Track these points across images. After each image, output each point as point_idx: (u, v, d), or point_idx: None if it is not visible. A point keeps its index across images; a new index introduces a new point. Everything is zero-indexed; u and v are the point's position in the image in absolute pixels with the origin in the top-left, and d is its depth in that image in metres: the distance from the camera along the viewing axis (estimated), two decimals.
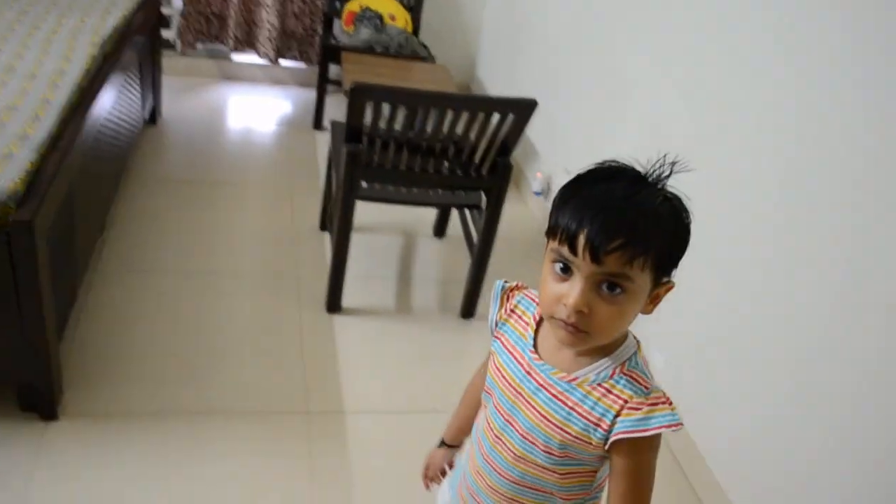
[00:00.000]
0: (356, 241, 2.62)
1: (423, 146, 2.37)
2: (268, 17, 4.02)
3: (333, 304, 2.54)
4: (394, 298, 2.73)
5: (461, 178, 2.46)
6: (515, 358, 1.04)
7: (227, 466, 1.93)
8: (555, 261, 0.91)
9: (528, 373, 1.01)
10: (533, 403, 1.00)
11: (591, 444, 0.96)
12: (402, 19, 3.81)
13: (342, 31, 3.73)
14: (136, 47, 3.00)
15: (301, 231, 2.99)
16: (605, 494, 1.04)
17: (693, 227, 0.92)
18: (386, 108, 2.27)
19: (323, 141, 3.69)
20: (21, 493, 1.75)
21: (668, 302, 0.96)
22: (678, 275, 0.94)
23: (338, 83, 3.85)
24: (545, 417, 0.98)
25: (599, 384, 0.95)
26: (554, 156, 3.30)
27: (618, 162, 0.93)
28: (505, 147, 2.35)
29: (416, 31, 3.95)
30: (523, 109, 2.26)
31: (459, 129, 2.33)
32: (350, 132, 2.27)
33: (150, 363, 2.20)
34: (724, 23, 2.10)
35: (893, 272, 1.49)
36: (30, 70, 2.23)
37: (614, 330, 0.92)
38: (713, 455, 2.02)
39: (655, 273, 0.89)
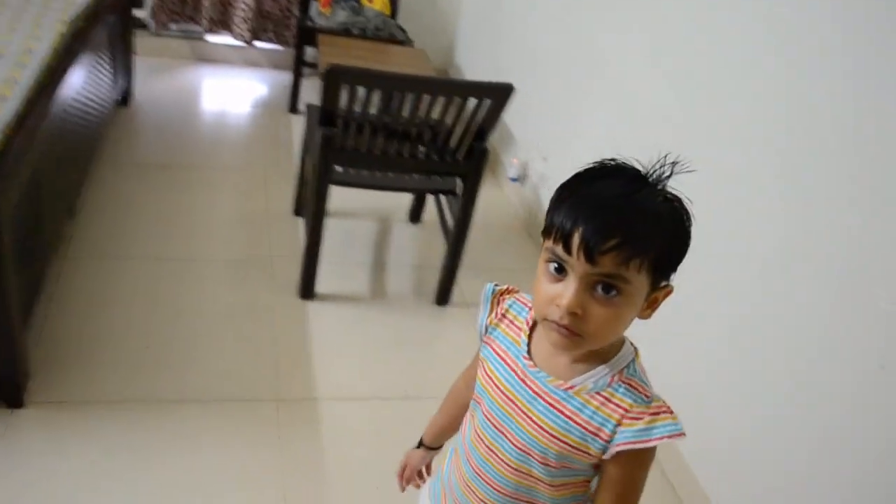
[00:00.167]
0: (331, 227, 2.59)
1: (399, 130, 2.34)
2: None
3: (307, 290, 2.51)
4: (368, 284, 2.71)
5: (437, 163, 2.44)
6: (508, 365, 1.00)
7: (195, 456, 1.91)
8: (549, 260, 0.87)
9: (523, 380, 0.97)
10: (528, 413, 0.96)
11: (589, 454, 0.93)
12: (379, 2, 3.77)
13: (319, 12, 3.68)
14: (108, 26, 2.94)
15: (275, 216, 2.95)
16: None
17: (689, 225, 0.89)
18: (361, 92, 2.24)
19: (298, 125, 3.64)
20: None
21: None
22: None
23: (314, 66, 3.80)
24: (542, 428, 0.94)
25: (598, 392, 0.92)
26: (531, 143, 3.29)
27: (617, 160, 0.90)
28: (481, 132, 2.34)
29: (394, 13, 3.91)
30: (500, 94, 2.24)
31: (436, 113, 2.31)
32: (325, 115, 2.24)
33: (119, 350, 2.16)
34: (714, 13, 2.08)
35: (891, 267, 1.48)
36: None
37: (609, 334, 0.89)
38: (699, 459, 2.02)
39: (653, 276, 0.85)
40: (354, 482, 1.93)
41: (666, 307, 0.92)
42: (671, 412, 0.91)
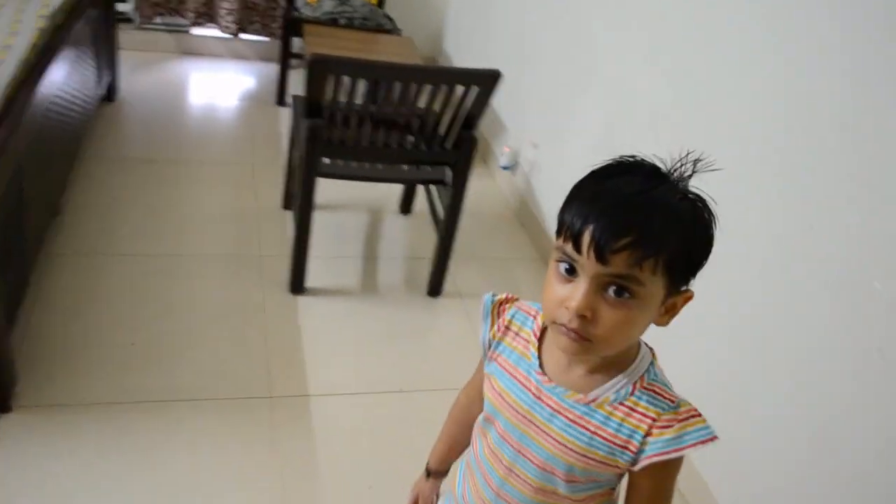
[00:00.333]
0: (320, 220, 2.56)
1: (387, 120, 2.31)
2: None
3: (297, 284, 2.48)
4: (359, 277, 2.68)
5: (426, 153, 2.41)
6: (519, 381, 0.95)
7: (186, 456, 1.88)
8: (559, 260, 0.82)
9: (538, 397, 0.92)
10: (548, 431, 0.91)
11: (617, 466, 0.89)
12: None
13: (305, 3, 3.63)
14: (90, 21, 2.89)
15: (264, 210, 2.92)
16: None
17: None
18: (347, 82, 2.20)
19: (286, 117, 3.61)
20: None
21: None
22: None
23: (301, 57, 3.76)
24: (564, 445, 0.90)
25: (620, 403, 0.88)
26: (522, 131, 3.25)
27: (636, 157, 0.85)
28: (470, 120, 2.30)
29: (381, 2, 3.87)
30: (487, 81, 2.21)
31: (423, 102, 2.28)
32: (310, 107, 2.21)
33: (107, 350, 2.13)
34: (713, 10, 2.04)
35: (890, 265, 1.46)
36: None
37: (621, 339, 0.83)
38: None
39: (670, 279, 0.80)
40: (348, 479, 1.91)
41: None
42: (699, 415, 0.87)
